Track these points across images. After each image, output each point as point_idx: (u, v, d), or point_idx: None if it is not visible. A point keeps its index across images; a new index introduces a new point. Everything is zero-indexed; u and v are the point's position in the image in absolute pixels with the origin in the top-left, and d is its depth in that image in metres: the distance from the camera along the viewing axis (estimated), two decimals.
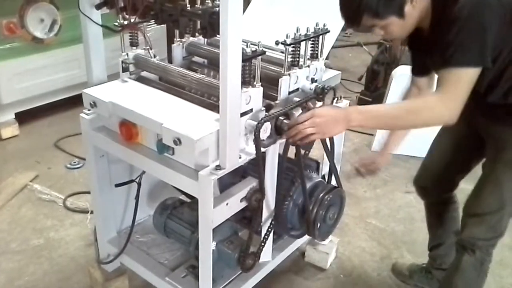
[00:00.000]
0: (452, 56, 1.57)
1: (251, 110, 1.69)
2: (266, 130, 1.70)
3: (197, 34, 2.13)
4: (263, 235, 1.97)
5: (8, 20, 3.50)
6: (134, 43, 1.98)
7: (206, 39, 2.16)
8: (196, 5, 1.75)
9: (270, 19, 2.27)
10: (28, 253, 2.59)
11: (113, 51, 2.04)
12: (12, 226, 2.78)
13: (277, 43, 1.77)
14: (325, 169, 2.21)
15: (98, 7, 1.85)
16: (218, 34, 1.45)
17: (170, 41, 2.23)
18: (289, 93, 1.87)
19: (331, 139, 2.00)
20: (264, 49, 1.67)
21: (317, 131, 1.66)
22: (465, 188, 2.17)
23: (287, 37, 1.77)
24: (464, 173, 2.14)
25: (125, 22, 1.85)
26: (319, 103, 1.91)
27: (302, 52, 1.88)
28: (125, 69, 1.98)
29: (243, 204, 1.77)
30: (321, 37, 1.92)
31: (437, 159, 2.16)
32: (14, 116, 3.78)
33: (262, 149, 1.70)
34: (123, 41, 1.95)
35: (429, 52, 1.74)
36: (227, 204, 1.70)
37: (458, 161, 2.10)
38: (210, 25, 1.63)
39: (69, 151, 3.51)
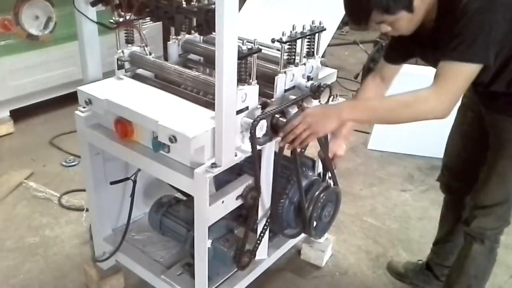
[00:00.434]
0: (455, 49, 1.54)
1: (247, 108, 1.69)
2: (262, 128, 1.70)
3: (193, 31, 2.12)
4: (258, 233, 1.97)
5: (2, 17, 3.49)
6: (129, 41, 1.98)
7: (202, 37, 2.16)
8: (192, 3, 1.74)
9: (266, 16, 2.27)
10: (24, 251, 2.58)
11: (108, 49, 2.03)
12: (7, 224, 2.77)
13: (273, 40, 1.77)
14: (321, 167, 2.21)
15: (93, 4, 1.84)
16: (214, 31, 1.45)
17: (165, 38, 2.22)
18: (285, 91, 1.87)
19: (326, 137, 2.00)
20: (260, 47, 1.66)
21: (311, 131, 1.68)
22: None
23: (283, 35, 1.76)
24: (482, 166, 2.06)
25: (121, 19, 1.84)
26: (315, 101, 1.91)
27: (298, 50, 1.87)
28: (120, 67, 1.97)
29: (239, 202, 1.77)
30: (317, 35, 1.92)
31: (453, 156, 2.15)
32: (9, 114, 3.77)
33: (258, 147, 1.71)
34: (118, 39, 1.94)
35: (431, 45, 1.70)
36: (222, 202, 1.70)
37: (474, 155, 2.07)
38: (206, 22, 1.62)
39: (64, 148, 3.50)
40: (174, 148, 1.67)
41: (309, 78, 1.93)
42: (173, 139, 1.57)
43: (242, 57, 1.58)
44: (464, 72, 1.55)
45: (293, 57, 1.87)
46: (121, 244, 2.10)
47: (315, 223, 2.01)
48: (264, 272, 2.18)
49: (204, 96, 1.83)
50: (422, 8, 1.61)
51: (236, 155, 1.68)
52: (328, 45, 2.23)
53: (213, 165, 1.62)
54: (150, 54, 1.99)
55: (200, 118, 1.67)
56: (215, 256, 1.89)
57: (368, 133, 3.79)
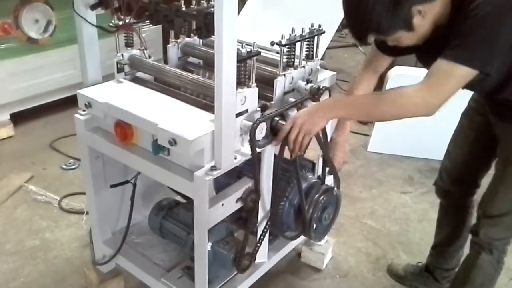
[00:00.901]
0: (454, 49, 1.47)
1: (246, 110, 1.69)
2: (261, 131, 1.70)
3: (192, 34, 2.13)
4: (258, 235, 1.96)
5: (2, 21, 3.49)
6: (129, 44, 1.98)
7: (201, 40, 2.16)
8: (191, 6, 1.75)
9: (265, 19, 2.27)
10: (23, 254, 2.58)
11: (108, 52, 2.03)
12: (7, 227, 2.77)
13: (272, 43, 1.77)
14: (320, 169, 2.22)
15: (93, 7, 1.85)
16: (213, 34, 1.45)
17: (165, 41, 2.23)
18: (284, 93, 1.87)
19: (326, 139, 2.00)
20: (259, 50, 1.66)
21: (304, 132, 1.69)
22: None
23: (282, 38, 1.77)
24: (484, 172, 2.10)
25: (120, 23, 1.85)
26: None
27: (297, 52, 1.88)
28: (120, 70, 1.98)
29: (239, 205, 1.77)
30: (316, 37, 1.92)
31: (456, 160, 2.12)
32: (9, 117, 3.77)
33: (258, 150, 1.71)
34: (118, 42, 1.95)
35: (437, 50, 1.60)
36: (222, 204, 1.70)
37: (478, 160, 2.06)
38: (205, 25, 1.62)
39: (64, 152, 3.50)
40: (173, 151, 1.67)
41: (308, 81, 1.93)
42: (172, 142, 1.58)
43: (242, 60, 1.58)
44: (456, 74, 1.49)
45: (293, 60, 1.87)
46: (121, 247, 2.10)
47: (315, 226, 2.01)
48: (264, 275, 2.17)
49: (203, 99, 1.84)
50: (426, 23, 1.53)
51: (235, 158, 1.68)
52: (328, 48, 2.23)
53: (213, 168, 1.62)
54: (150, 57, 1.99)
55: (199, 121, 1.67)
56: (215, 259, 1.89)
57: (367, 135, 3.80)
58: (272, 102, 1.83)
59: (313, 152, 2.11)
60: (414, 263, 2.50)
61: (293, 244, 2.32)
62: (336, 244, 2.66)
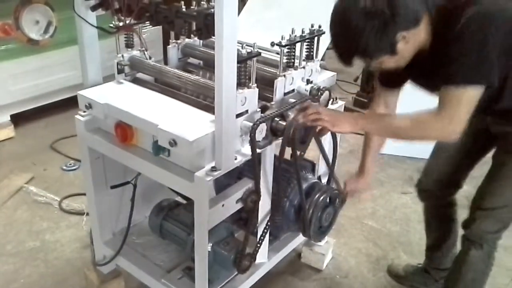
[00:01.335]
0: (454, 74, 1.55)
1: (247, 111, 1.69)
2: (261, 131, 1.70)
3: (192, 35, 2.13)
4: (259, 236, 1.97)
5: (3, 22, 3.50)
6: (129, 45, 1.98)
7: (201, 41, 2.16)
8: (192, 7, 1.75)
9: (266, 20, 2.27)
10: (24, 256, 2.58)
11: (108, 53, 2.03)
12: (8, 229, 2.77)
13: (272, 44, 1.77)
14: (321, 170, 2.22)
15: (93, 8, 1.85)
16: (214, 35, 1.45)
17: (165, 42, 2.23)
18: (285, 94, 1.87)
19: (335, 140, 2.01)
20: (260, 50, 1.67)
21: (329, 120, 1.75)
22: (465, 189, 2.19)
23: (282, 39, 1.77)
24: (468, 173, 2.14)
25: (121, 24, 1.85)
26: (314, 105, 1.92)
27: (297, 53, 1.88)
28: (120, 71, 1.98)
29: (239, 205, 1.77)
30: (316, 38, 1.92)
31: (442, 162, 2.14)
32: (9, 118, 3.77)
33: (258, 150, 1.71)
34: (118, 43, 1.95)
35: (426, 71, 1.69)
36: (222, 205, 1.70)
37: (465, 162, 2.09)
38: (206, 26, 1.63)
39: (64, 153, 3.50)
40: (174, 152, 1.67)
41: (308, 81, 1.93)
42: (173, 143, 1.58)
43: (242, 60, 1.58)
44: (467, 96, 1.55)
45: (293, 60, 1.87)
46: (121, 248, 2.10)
47: (315, 226, 2.01)
48: (265, 276, 2.17)
49: (204, 100, 1.84)
50: (409, 48, 1.59)
51: (236, 159, 1.68)
52: (328, 48, 2.23)
53: (213, 169, 1.62)
54: (150, 58, 1.99)
55: (200, 121, 1.68)
56: (216, 260, 1.89)
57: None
58: (272, 103, 1.83)
59: (313, 153, 2.11)
60: (414, 264, 2.50)
61: (293, 244, 2.32)
62: (336, 244, 2.66)
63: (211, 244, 1.86)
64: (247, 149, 1.70)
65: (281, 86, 1.84)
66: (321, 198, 1.98)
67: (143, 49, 1.99)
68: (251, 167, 1.73)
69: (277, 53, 1.83)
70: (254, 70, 1.68)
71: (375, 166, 3.37)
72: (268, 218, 1.95)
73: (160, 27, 1.81)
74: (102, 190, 2.09)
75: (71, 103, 3.48)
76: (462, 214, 2.12)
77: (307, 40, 1.89)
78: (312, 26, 1.89)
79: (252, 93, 1.69)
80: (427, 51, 1.64)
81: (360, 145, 3.75)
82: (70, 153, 3.46)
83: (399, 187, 3.32)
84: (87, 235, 2.48)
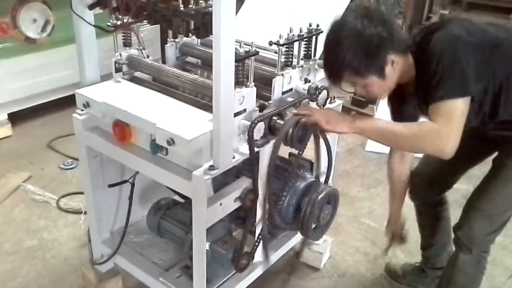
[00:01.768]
0: (435, 92, 1.58)
1: (245, 110, 1.69)
2: (259, 130, 1.70)
3: (190, 34, 2.13)
4: (257, 235, 1.97)
5: (0, 20, 3.49)
6: (127, 44, 1.98)
7: (199, 40, 2.16)
8: (189, 6, 1.75)
9: (264, 19, 2.27)
10: (21, 254, 2.58)
11: (106, 52, 2.03)
12: (5, 227, 2.77)
13: (270, 43, 1.78)
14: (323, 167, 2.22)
15: (91, 7, 1.85)
16: (211, 34, 1.46)
17: (163, 41, 2.22)
18: (283, 93, 1.87)
19: (326, 139, 2.00)
20: (258, 49, 1.67)
21: (324, 119, 1.76)
22: (459, 188, 2.19)
23: (280, 38, 1.77)
24: (460, 175, 2.15)
25: (118, 23, 1.85)
26: (312, 104, 1.92)
27: (295, 52, 1.88)
28: (118, 70, 1.98)
29: (237, 204, 1.78)
30: (314, 37, 1.93)
31: (434, 163, 2.13)
32: (6, 117, 3.77)
33: (256, 149, 1.71)
34: (116, 42, 1.95)
35: (421, 99, 1.74)
36: (220, 204, 1.70)
37: (457, 165, 2.07)
38: (203, 25, 1.63)
39: (62, 151, 3.49)
40: (172, 150, 1.68)
41: (306, 81, 1.93)
42: (171, 141, 1.58)
43: (240, 59, 1.58)
44: (457, 108, 1.57)
45: (291, 59, 1.87)
46: (119, 246, 2.10)
47: (313, 225, 2.01)
48: (263, 274, 2.17)
49: (202, 99, 1.84)
50: (394, 76, 1.68)
51: (234, 158, 1.68)
52: None
53: (211, 168, 1.62)
54: (148, 57, 1.99)
55: (198, 120, 1.68)
56: (214, 258, 1.89)
57: None
58: (270, 102, 1.83)
59: (312, 152, 2.11)
60: (412, 262, 2.51)
61: (291, 243, 2.32)
62: (334, 243, 2.67)
63: (209, 243, 1.86)
64: (245, 148, 1.71)
65: (279, 85, 1.84)
66: (319, 197, 1.98)
67: (141, 47, 1.99)
68: (249, 166, 1.74)
69: (275, 52, 1.83)
70: (252, 69, 1.68)
71: (372, 165, 3.39)
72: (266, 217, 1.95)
73: (158, 26, 1.80)
74: (100, 189, 2.09)
75: (68, 102, 3.48)
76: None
77: (305, 39, 1.89)
78: (310, 25, 1.89)
79: (250, 92, 1.69)
80: (414, 83, 1.74)
81: (358, 144, 3.80)
82: (67, 151, 3.46)
83: None
84: (85, 234, 2.48)
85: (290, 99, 1.86)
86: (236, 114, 1.65)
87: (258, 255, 2.05)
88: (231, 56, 1.48)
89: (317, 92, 1.90)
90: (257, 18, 2.31)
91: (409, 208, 3.06)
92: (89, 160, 2.01)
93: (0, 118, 3.73)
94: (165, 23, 1.74)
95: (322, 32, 1.92)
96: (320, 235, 2.26)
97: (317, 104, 1.93)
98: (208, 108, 1.69)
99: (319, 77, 2.07)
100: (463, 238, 1.95)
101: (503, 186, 1.86)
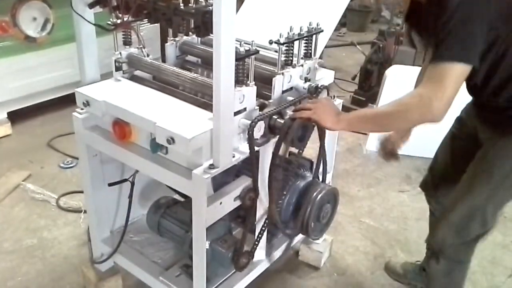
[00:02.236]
0: (438, 51, 1.51)
1: (245, 109, 1.69)
2: (259, 129, 1.70)
3: (190, 33, 2.13)
4: (257, 234, 1.97)
5: (0, 19, 3.48)
6: (127, 42, 1.98)
7: (199, 38, 2.16)
8: (190, 4, 1.75)
9: (264, 18, 2.27)
10: (21, 253, 2.58)
11: (106, 50, 2.03)
12: (5, 226, 2.77)
13: (270, 42, 1.77)
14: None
15: (91, 6, 1.84)
16: (212, 33, 1.45)
17: (163, 40, 2.22)
18: (283, 92, 1.87)
19: (322, 135, 2.00)
20: (258, 48, 1.67)
21: (313, 110, 1.74)
22: None
23: (280, 36, 1.77)
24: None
25: (118, 21, 1.85)
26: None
27: (295, 51, 1.88)
28: (118, 68, 1.97)
29: (237, 203, 1.78)
30: (314, 36, 1.92)
31: (441, 165, 2.13)
32: (6, 116, 3.77)
33: (256, 148, 1.71)
34: (116, 40, 1.95)
35: (424, 29, 1.68)
36: (220, 203, 1.70)
37: (461, 167, 2.02)
38: (204, 24, 1.63)
39: (62, 150, 3.49)
40: (172, 149, 1.67)
41: (306, 80, 1.93)
42: (171, 140, 1.58)
43: (240, 58, 1.58)
44: (454, 72, 1.49)
45: (291, 58, 1.87)
46: (119, 245, 2.10)
47: (312, 224, 2.01)
48: (262, 273, 2.18)
49: (202, 98, 1.84)
50: None
51: (234, 156, 1.68)
52: (326, 47, 2.23)
53: (211, 166, 1.62)
54: (148, 55, 1.99)
55: (198, 119, 1.67)
56: (213, 257, 1.89)
57: (365, 134, 3.80)
58: (271, 101, 1.83)
59: (311, 151, 2.11)
60: (412, 262, 2.51)
61: (291, 242, 2.32)
62: (334, 242, 2.67)
63: (209, 242, 1.86)
64: (245, 147, 1.70)
65: (279, 84, 1.84)
66: (319, 196, 1.98)
67: (141, 46, 1.98)
68: (249, 165, 1.74)
69: (275, 51, 1.83)
70: (252, 68, 1.68)
71: (372, 164, 3.39)
72: (266, 216, 1.95)
73: (158, 25, 1.80)
74: (100, 188, 2.09)
75: (68, 101, 3.49)
76: None
77: (305, 38, 1.89)
78: (310, 24, 1.89)
79: (250, 91, 1.69)
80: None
81: (358, 143, 3.80)
82: (67, 150, 3.46)
83: (396, 185, 3.33)
84: (85, 233, 2.48)
85: (290, 98, 1.86)
86: (236, 113, 1.65)
87: (258, 254, 2.05)
88: (232, 55, 1.48)
89: (317, 91, 1.90)
90: (257, 17, 2.31)
91: (409, 208, 3.08)
92: (89, 159, 2.01)
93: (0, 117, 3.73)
94: (165, 21, 1.74)
95: (322, 31, 1.92)
96: (320, 234, 2.26)
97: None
98: (208, 107, 1.69)
99: (319, 76, 2.08)
100: (429, 244, 1.94)
101: (464, 196, 1.82)
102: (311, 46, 1.95)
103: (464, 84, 1.64)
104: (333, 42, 5.51)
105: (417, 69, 2.77)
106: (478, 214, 1.82)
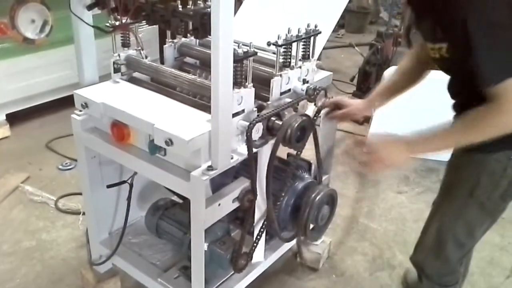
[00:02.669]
0: (484, 76, 1.38)
1: (243, 110, 1.69)
2: (258, 131, 1.70)
3: (188, 35, 2.13)
4: (255, 235, 1.97)
5: None
6: (125, 44, 1.98)
7: (197, 40, 2.16)
8: (188, 6, 1.75)
9: (262, 20, 2.27)
10: (20, 255, 2.58)
11: (104, 52, 2.03)
12: (3, 228, 2.77)
13: (268, 44, 1.78)
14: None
15: (90, 7, 1.85)
16: (210, 35, 1.46)
17: (161, 42, 2.23)
18: (281, 93, 1.87)
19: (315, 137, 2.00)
20: (256, 50, 1.67)
21: (381, 158, 1.65)
22: None
23: (278, 38, 1.77)
24: None
25: (117, 23, 1.85)
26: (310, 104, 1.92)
27: (293, 53, 1.88)
28: (116, 70, 1.98)
29: (235, 205, 1.78)
30: (312, 38, 1.93)
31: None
32: (5, 117, 3.77)
33: (254, 150, 1.71)
34: (114, 42, 1.95)
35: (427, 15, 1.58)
36: (219, 204, 1.70)
37: None
38: (202, 26, 1.63)
39: (60, 152, 3.49)
40: (170, 151, 1.68)
41: (304, 81, 1.93)
42: (169, 142, 1.58)
43: (238, 60, 1.58)
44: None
45: (289, 60, 1.87)
46: (117, 247, 2.10)
47: (311, 226, 2.02)
48: (261, 275, 2.18)
49: (200, 99, 1.84)
50: None
51: (232, 158, 1.68)
52: (324, 48, 2.24)
53: (210, 168, 1.62)
54: (146, 57, 1.99)
55: (196, 121, 1.68)
56: (212, 259, 1.89)
57: (364, 135, 3.81)
58: (269, 102, 1.83)
59: (310, 152, 2.11)
60: None
61: (289, 244, 2.32)
62: (332, 243, 2.67)
63: (207, 244, 1.86)
64: (243, 149, 1.71)
65: (277, 86, 1.84)
66: (317, 197, 1.98)
67: (140, 48, 1.99)
68: (248, 166, 1.74)
69: (274, 53, 1.83)
70: (251, 70, 1.68)
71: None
72: (264, 218, 1.95)
73: (156, 26, 1.80)
74: (99, 190, 2.09)
75: (66, 103, 3.48)
76: None
77: (303, 40, 1.89)
78: (308, 25, 1.89)
79: (248, 93, 1.69)
80: None
81: (355, 146, 3.80)
82: (66, 152, 3.46)
83: (395, 186, 3.33)
84: (83, 235, 2.48)
85: (288, 100, 1.86)
86: (234, 115, 1.65)
87: (257, 256, 2.05)
88: (230, 56, 1.48)
89: (315, 93, 1.90)
90: (255, 18, 2.31)
91: (407, 209, 3.08)
92: (88, 161, 2.01)
93: None
94: (164, 23, 1.75)
95: (320, 32, 1.93)
96: (318, 236, 2.27)
97: (315, 104, 1.93)
98: (206, 108, 1.70)
99: (318, 77, 2.08)
100: (412, 262, 1.91)
101: (435, 216, 1.76)
102: (309, 48, 1.95)
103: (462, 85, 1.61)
104: (332, 44, 5.52)
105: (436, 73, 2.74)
106: (449, 236, 1.77)
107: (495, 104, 1.40)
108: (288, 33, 1.81)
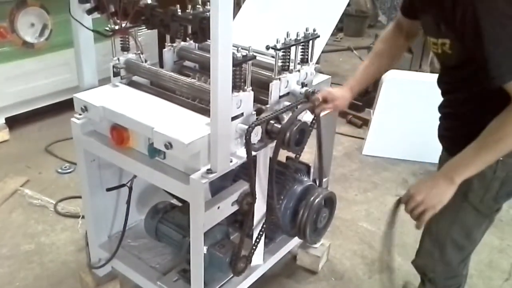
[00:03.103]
0: (497, 73, 1.34)
1: (242, 114, 1.70)
2: (257, 134, 1.71)
3: (188, 39, 2.14)
4: (254, 238, 1.97)
5: None
6: (125, 48, 1.99)
7: (197, 44, 2.17)
8: (187, 10, 1.76)
9: (261, 24, 2.28)
10: (19, 258, 2.58)
11: (104, 56, 2.04)
12: (3, 232, 2.77)
13: (267, 47, 1.79)
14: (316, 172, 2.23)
15: (89, 12, 1.86)
16: (209, 39, 1.46)
17: (161, 45, 2.23)
18: (280, 97, 1.88)
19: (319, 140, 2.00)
20: (255, 54, 1.68)
21: (426, 206, 1.58)
22: None
23: (277, 42, 1.78)
24: None
25: (116, 27, 1.86)
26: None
27: (292, 56, 1.89)
28: (116, 74, 1.98)
29: (235, 208, 1.78)
30: (311, 41, 1.94)
31: None
32: (4, 121, 3.77)
33: (253, 153, 1.72)
34: (114, 46, 1.96)
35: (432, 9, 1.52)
36: (218, 207, 1.71)
37: None
38: (201, 30, 1.64)
39: (60, 155, 3.49)
40: (169, 154, 1.68)
41: (303, 85, 1.94)
42: (168, 145, 1.58)
43: (237, 64, 1.59)
44: None
45: (288, 63, 1.88)
46: (117, 250, 2.10)
47: (310, 229, 2.02)
48: (260, 278, 2.18)
49: (199, 103, 1.85)
50: None
51: (231, 161, 1.69)
52: (322, 52, 2.24)
53: (209, 171, 1.62)
54: (146, 61, 2.00)
55: (195, 124, 1.68)
56: (211, 262, 1.90)
57: (363, 138, 3.82)
58: (268, 106, 1.84)
59: (309, 155, 2.12)
60: None
61: (288, 247, 2.33)
62: (331, 246, 2.67)
63: (206, 247, 1.87)
64: (242, 152, 1.71)
65: (276, 89, 1.85)
66: (316, 200, 1.99)
67: (139, 52, 1.99)
68: (247, 170, 1.74)
69: (272, 57, 1.84)
70: (250, 73, 1.69)
71: (369, 169, 3.39)
72: (263, 221, 1.96)
73: (155, 31, 1.81)
74: (98, 193, 2.10)
75: (66, 106, 3.49)
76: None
77: (302, 44, 1.90)
78: (307, 29, 1.90)
79: (247, 96, 1.70)
80: None
81: (355, 148, 3.81)
82: (65, 156, 3.46)
83: (393, 190, 3.33)
84: (83, 238, 2.48)
85: (287, 103, 1.87)
86: (233, 118, 1.65)
87: (256, 259, 2.06)
88: (229, 60, 1.49)
89: (313, 96, 1.91)
90: (254, 22, 2.32)
91: (405, 212, 3.08)
92: (87, 164, 2.02)
93: None
94: (163, 27, 1.75)
95: (318, 36, 1.94)
96: (317, 239, 2.27)
97: (313, 107, 1.93)
98: (205, 112, 1.70)
99: (316, 81, 2.09)
100: (417, 268, 1.91)
101: (432, 221, 1.69)
102: (307, 52, 1.96)
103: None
104: (330, 47, 5.52)
105: (414, 74, 2.76)
106: (447, 240, 1.76)
107: None
108: (287, 37, 1.82)
